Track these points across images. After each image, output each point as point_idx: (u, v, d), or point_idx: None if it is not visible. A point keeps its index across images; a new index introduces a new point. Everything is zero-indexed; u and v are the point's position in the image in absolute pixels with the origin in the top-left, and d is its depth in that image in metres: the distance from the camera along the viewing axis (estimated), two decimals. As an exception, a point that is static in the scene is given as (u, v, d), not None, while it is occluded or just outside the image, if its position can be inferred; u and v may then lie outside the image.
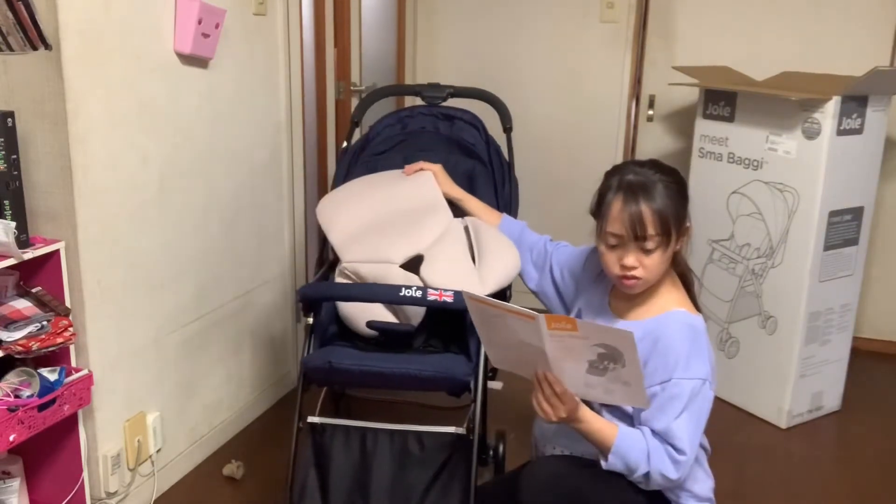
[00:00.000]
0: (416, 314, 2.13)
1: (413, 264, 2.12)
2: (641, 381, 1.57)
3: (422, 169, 2.33)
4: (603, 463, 1.70)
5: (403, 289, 1.94)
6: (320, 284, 2.20)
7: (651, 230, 1.70)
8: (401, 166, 2.45)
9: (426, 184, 2.29)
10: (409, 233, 2.17)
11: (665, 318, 1.76)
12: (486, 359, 2.05)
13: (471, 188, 2.40)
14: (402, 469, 2.00)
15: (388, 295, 1.99)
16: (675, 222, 1.72)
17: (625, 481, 1.74)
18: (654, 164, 1.79)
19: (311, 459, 2.03)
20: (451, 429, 2.01)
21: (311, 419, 2.04)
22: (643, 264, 1.72)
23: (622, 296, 1.85)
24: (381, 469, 2.00)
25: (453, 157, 2.44)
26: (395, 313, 2.15)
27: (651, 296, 1.80)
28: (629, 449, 1.68)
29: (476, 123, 2.49)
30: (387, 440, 2.01)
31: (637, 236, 1.70)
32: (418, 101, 2.58)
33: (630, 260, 1.72)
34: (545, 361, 1.61)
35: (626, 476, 1.72)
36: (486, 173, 2.44)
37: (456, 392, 2.06)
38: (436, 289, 1.94)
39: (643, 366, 1.71)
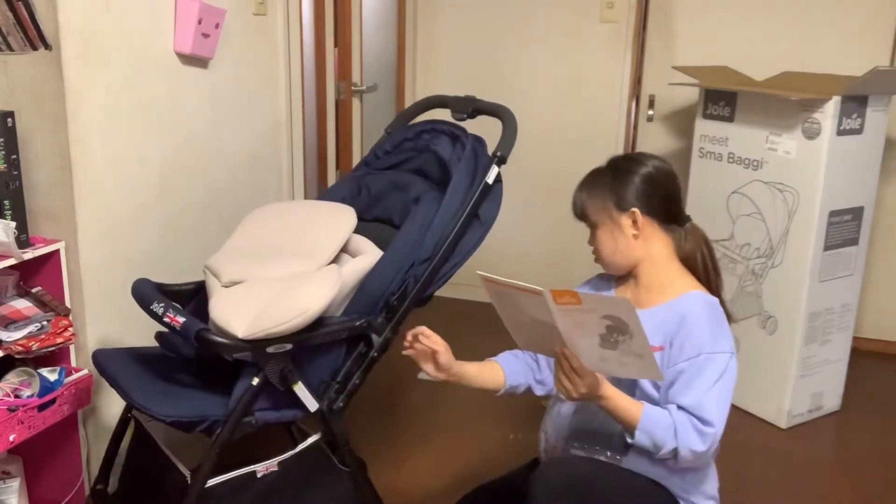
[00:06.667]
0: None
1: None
2: (650, 352, 1.58)
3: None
4: (630, 439, 1.71)
5: (155, 303, 1.87)
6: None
7: (574, 211, 1.89)
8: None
9: (333, 231, 2.12)
10: (266, 262, 2.05)
11: (685, 298, 1.80)
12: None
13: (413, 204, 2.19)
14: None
15: (142, 306, 1.92)
16: (599, 204, 1.84)
17: (643, 484, 1.74)
18: (638, 154, 1.94)
19: None
20: (311, 440, 2.03)
21: (210, 483, 1.88)
22: (592, 244, 1.88)
23: (632, 287, 1.88)
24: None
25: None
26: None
27: (663, 281, 1.85)
28: (655, 425, 1.68)
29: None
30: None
31: (577, 216, 1.89)
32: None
33: (589, 239, 1.89)
34: (559, 338, 1.63)
35: (650, 456, 1.72)
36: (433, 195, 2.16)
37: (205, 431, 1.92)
38: (175, 312, 1.83)
39: (670, 345, 1.74)
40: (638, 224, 1.83)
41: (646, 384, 1.76)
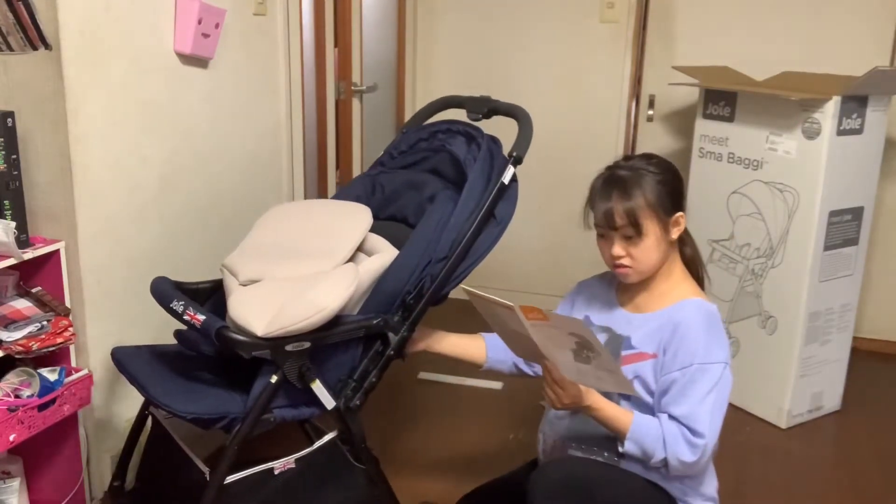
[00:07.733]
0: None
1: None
2: (619, 369, 1.60)
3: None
4: (620, 448, 1.72)
5: (175, 301, 1.89)
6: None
7: (620, 221, 1.74)
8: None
9: (349, 230, 2.11)
10: (283, 261, 2.05)
11: (682, 305, 1.79)
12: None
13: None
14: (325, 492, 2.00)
15: (162, 304, 1.94)
16: (650, 212, 1.74)
17: (642, 485, 1.75)
18: (644, 157, 1.83)
19: None
20: (327, 438, 2.02)
21: (228, 480, 1.87)
22: (630, 254, 1.77)
23: (634, 291, 1.86)
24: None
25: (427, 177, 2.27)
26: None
27: (666, 286, 1.83)
28: (644, 435, 1.69)
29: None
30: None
31: (613, 227, 1.76)
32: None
33: (616, 249, 1.77)
34: (539, 350, 1.63)
35: (644, 463, 1.72)
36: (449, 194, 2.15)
37: (225, 429, 1.93)
38: (195, 310, 1.85)
39: (663, 353, 1.74)
40: (681, 227, 1.80)
41: (639, 389, 1.76)
